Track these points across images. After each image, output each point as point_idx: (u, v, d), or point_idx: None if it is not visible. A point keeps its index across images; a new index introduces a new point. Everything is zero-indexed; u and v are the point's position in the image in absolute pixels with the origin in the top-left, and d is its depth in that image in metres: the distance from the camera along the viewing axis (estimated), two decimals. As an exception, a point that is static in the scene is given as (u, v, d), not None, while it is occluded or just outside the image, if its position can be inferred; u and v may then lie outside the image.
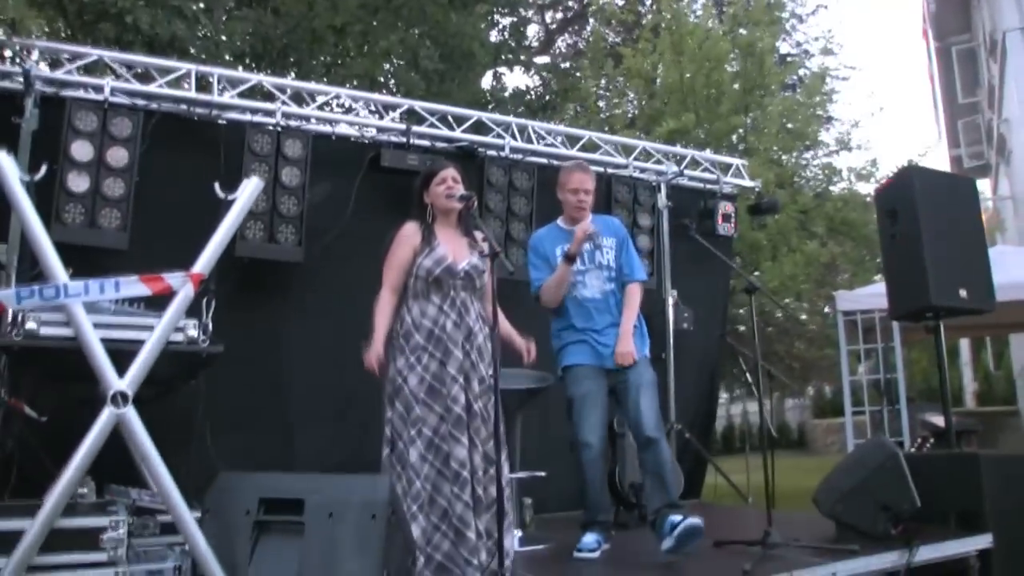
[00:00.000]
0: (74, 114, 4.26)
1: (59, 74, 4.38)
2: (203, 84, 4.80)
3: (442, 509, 3.20)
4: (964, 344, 19.62)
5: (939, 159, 15.54)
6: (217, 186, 2.83)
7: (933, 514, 4.08)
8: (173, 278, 2.61)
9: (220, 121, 4.77)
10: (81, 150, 4.26)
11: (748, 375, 6.28)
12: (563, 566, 3.87)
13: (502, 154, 5.69)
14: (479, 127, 5.77)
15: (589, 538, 3.94)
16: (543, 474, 4.40)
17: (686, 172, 6.44)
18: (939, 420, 7.70)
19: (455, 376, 3.35)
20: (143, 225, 4.46)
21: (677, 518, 3.57)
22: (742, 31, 9.49)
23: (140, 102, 4.53)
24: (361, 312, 5.11)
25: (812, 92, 9.79)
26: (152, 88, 4.54)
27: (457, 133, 5.53)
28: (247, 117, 4.81)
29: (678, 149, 6.62)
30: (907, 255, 4.64)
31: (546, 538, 4.32)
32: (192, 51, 6.37)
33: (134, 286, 2.55)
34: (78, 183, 4.23)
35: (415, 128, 5.31)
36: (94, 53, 4.50)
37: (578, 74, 10.79)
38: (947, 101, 15.28)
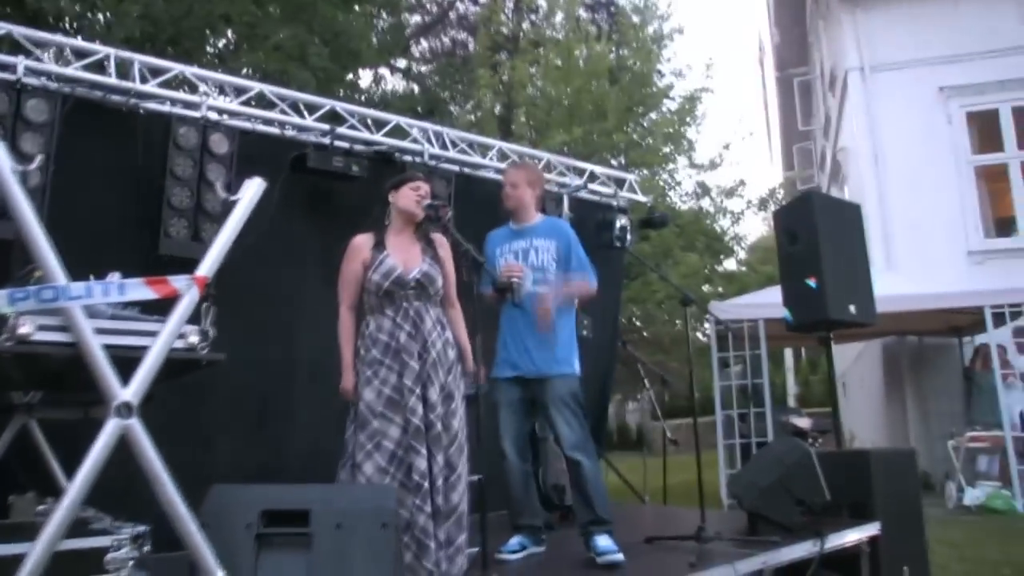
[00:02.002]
0: (-18, 94, 3.90)
1: (-39, 49, 3.99)
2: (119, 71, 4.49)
3: (405, 521, 3.18)
4: (787, 353, 21.53)
5: (773, 180, 16.96)
6: (218, 186, 2.70)
7: (827, 506, 4.52)
8: (178, 281, 2.49)
9: (140, 111, 4.49)
10: (-11, 134, 3.89)
11: (646, 380, 6.62)
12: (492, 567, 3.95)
13: (418, 160, 5.69)
14: (395, 131, 5.74)
15: (512, 540, 4.09)
16: (478, 477, 4.46)
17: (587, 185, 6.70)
18: (799, 421, 8.46)
19: (411, 387, 3.36)
20: (53, 219, 4.12)
21: (602, 543, 3.77)
22: (623, 51, 9.98)
23: (52, 85, 4.19)
24: (279, 314, 5.02)
25: (685, 113, 10.45)
26: (70, 71, 4.21)
27: (379, 136, 5.49)
28: (167, 108, 4.55)
29: (579, 163, 6.87)
30: (805, 273, 5.08)
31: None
32: (74, 28, 5.91)
33: (139, 289, 2.42)
34: (-14, 170, 3.86)
35: (338, 129, 5.23)
36: (2, 26, 4.11)
37: (455, 84, 10.90)
38: (784, 128, 16.68)
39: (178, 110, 4.54)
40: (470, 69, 10.85)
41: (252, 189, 2.69)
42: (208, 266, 2.58)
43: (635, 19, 10.68)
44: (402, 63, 13.55)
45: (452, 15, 18.83)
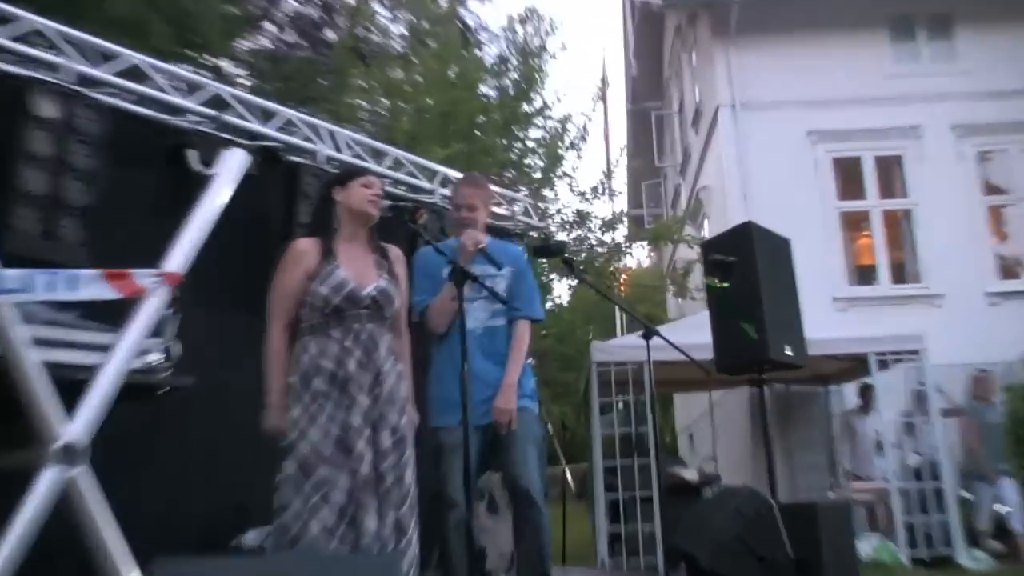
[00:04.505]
0: None
1: None
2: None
3: None
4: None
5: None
6: (191, 155, 2.22)
7: (772, 563, 4.47)
8: (144, 277, 2.00)
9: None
10: None
11: (549, 425, 6.36)
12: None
13: (310, 161, 5.21)
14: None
15: None
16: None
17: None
18: (685, 473, 8.55)
19: (359, 428, 2.99)
20: None
21: None
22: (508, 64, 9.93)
23: None
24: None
25: (559, 136, 10.51)
26: None
27: (268, 130, 4.97)
28: (18, 70, 3.85)
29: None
30: (740, 309, 5.06)
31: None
32: None
33: (95, 285, 1.91)
34: None
35: (225, 117, 4.68)
36: None
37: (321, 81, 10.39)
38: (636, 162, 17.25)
39: (34, 73, 3.85)
40: (331, 71, 10.35)
41: (235, 162, 2.25)
42: (180, 260, 2.10)
43: (520, 30, 10.72)
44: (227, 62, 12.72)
45: (280, 14, 18.10)
